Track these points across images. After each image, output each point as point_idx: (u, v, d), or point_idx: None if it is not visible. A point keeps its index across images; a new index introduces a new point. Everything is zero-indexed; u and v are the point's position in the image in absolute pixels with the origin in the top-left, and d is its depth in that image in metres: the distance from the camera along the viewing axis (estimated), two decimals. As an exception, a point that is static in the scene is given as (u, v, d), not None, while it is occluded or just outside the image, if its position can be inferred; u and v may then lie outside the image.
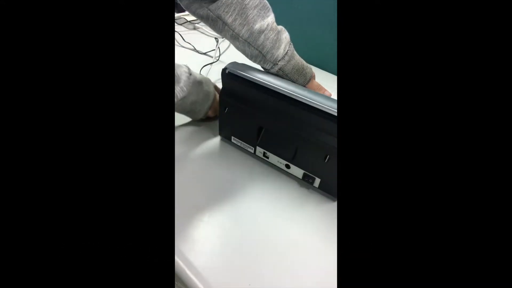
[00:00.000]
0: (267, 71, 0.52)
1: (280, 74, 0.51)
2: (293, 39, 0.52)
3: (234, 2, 0.46)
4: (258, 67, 0.53)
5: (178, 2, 0.50)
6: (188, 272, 0.40)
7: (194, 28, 1.10)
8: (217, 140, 0.61)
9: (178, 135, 0.61)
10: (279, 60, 0.50)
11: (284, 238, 0.45)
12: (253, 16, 0.47)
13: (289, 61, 0.50)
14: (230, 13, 0.47)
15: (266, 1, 0.49)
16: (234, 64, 0.53)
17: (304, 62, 0.53)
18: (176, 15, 1.12)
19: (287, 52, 0.50)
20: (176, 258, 0.41)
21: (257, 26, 0.47)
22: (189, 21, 1.10)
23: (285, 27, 0.51)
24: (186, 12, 0.52)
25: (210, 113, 0.62)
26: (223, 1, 0.46)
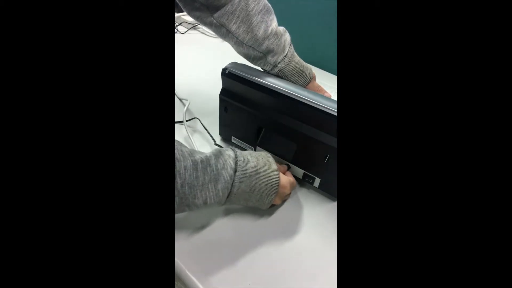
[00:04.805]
0: (267, 72, 0.52)
1: (280, 75, 0.51)
2: (293, 39, 0.52)
3: (238, 9, 0.46)
4: (258, 67, 0.53)
5: (181, 7, 0.49)
6: (188, 272, 0.39)
7: (194, 28, 1.10)
8: (217, 140, 0.61)
9: (178, 135, 0.61)
10: (279, 62, 0.50)
11: (284, 238, 0.45)
12: (257, 23, 0.47)
13: (289, 62, 0.50)
14: (234, 21, 0.46)
15: (269, 4, 0.48)
16: (234, 64, 0.53)
17: (304, 63, 0.53)
18: (176, 15, 1.12)
19: (287, 54, 0.50)
20: (176, 259, 0.41)
21: (261, 33, 0.47)
22: (189, 22, 1.10)
23: (285, 27, 0.51)
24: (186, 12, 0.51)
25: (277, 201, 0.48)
26: (227, 8, 0.46)
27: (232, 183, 0.39)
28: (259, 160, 0.43)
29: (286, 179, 0.46)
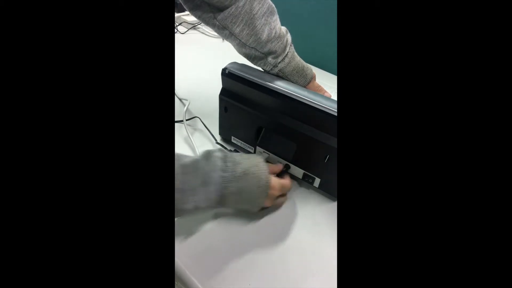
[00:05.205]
0: (267, 72, 0.52)
1: (280, 75, 0.51)
2: (293, 39, 0.52)
3: (242, 12, 0.44)
4: (259, 67, 0.53)
5: (184, 6, 0.49)
6: (188, 272, 0.39)
7: (194, 28, 1.10)
8: (218, 139, 0.61)
9: (178, 135, 0.61)
10: (279, 62, 0.49)
11: (284, 238, 0.45)
12: (261, 26, 0.45)
13: (289, 63, 0.50)
14: (237, 24, 0.45)
15: (273, 4, 0.47)
16: (234, 64, 0.53)
17: (304, 63, 0.53)
18: (176, 15, 1.12)
19: (287, 54, 0.50)
20: (176, 259, 0.41)
21: (264, 36, 0.46)
22: (189, 22, 1.10)
23: (285, 27, 0.51)
24: (186, 12, 0.51)
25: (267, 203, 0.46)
26: (231, 11, 0.44)
27: (222, 185, 0.38)
28: (249, 161, 0.42)
29: (276, 181, 0.45)
